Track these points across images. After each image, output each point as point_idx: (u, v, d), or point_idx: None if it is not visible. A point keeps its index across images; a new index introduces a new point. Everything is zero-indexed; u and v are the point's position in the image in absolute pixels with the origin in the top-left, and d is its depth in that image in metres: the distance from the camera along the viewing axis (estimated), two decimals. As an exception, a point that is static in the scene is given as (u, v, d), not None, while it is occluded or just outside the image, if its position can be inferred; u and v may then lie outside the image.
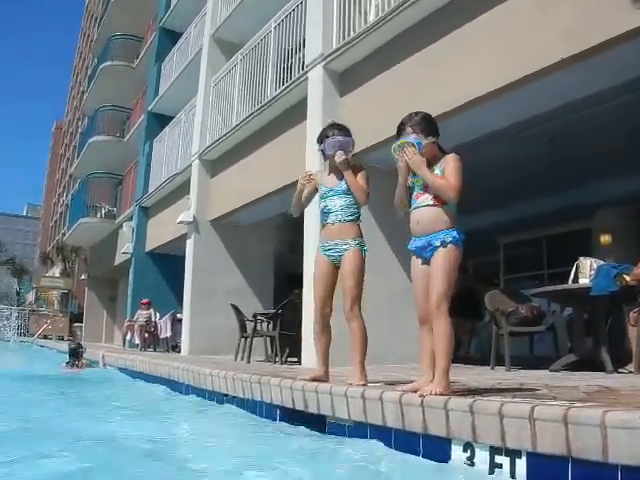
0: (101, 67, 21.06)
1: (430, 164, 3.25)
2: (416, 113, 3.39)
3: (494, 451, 2.48)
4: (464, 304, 7.46)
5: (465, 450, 2.60)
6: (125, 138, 20.13)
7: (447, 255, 3.12)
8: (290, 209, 4.45)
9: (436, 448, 2.72)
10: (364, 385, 3.52)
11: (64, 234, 30.12)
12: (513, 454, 2.40)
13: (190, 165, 12.09)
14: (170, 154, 14.16)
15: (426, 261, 3.22)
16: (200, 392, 5.42)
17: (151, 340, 13.32)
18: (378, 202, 5.09)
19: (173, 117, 14.49)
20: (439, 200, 3.19)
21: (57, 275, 41.68)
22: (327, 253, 4.07)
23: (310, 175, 4.26)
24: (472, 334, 8.79)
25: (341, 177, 4.11)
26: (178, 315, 12.56)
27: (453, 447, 2.66)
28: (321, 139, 4.25)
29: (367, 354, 3.97)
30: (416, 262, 3.30)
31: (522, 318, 6.07)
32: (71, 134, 53.27)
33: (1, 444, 3.20)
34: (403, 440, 2.90)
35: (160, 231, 14.76)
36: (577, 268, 5.62)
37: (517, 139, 7.37)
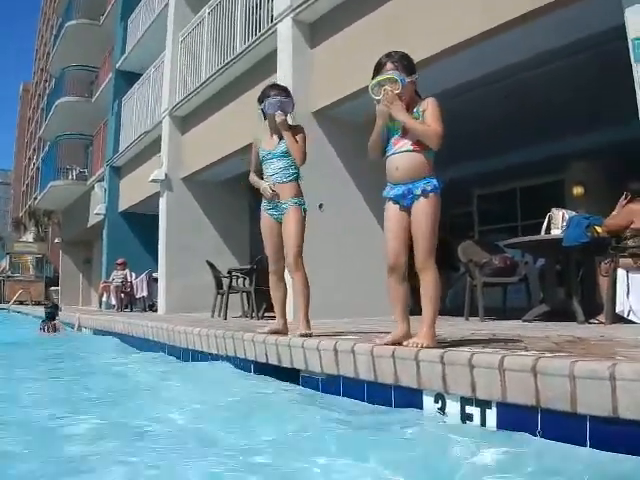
0: (66, 26, 20.24)
1: (408, 107, 3.10)
2: (395, 52, 3.23)
3: (465, 402, 2.49)
4: (438, 255, 7.47)
5: (436, 401, 2.62)
6: (93, 98, 19.57)
7: (431, 204, 3.04)
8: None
9: (408, 399, 2.73)
10: (310, 335, 3.70)
11: (36, 198, 29.55)
12: (483, 404, 2.41)
13: (160, 122, 11.85)
14: (140, 112, 13.86)
15: (404, 209, 3.11)
16: (175, 350, 5.38)
17: (127, 300, 13.28)
18: (348, 153, 5.00)
19: (142, 74, 14.10)
20: (419, 145, 3.06)
21: (31, 240, 40.99)
22: (269, 212, 4.27)
23: None
24: (447, 286, 8.83)
25: (279, 138, 4.19)
26: (154, 274, 12.48)
27: (425, 398, 2.67)
28: (262, 99, 4.28)
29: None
30: (393, 208, 3.15)
31: (495, 269, 6.11)
32: (39, 96, 51.79)
33: None
34: (376, 392, 2.91)
35: (133, 190, 14.55)
36: (549, 219, 5.64)
37: (484, 93, 7.35)
